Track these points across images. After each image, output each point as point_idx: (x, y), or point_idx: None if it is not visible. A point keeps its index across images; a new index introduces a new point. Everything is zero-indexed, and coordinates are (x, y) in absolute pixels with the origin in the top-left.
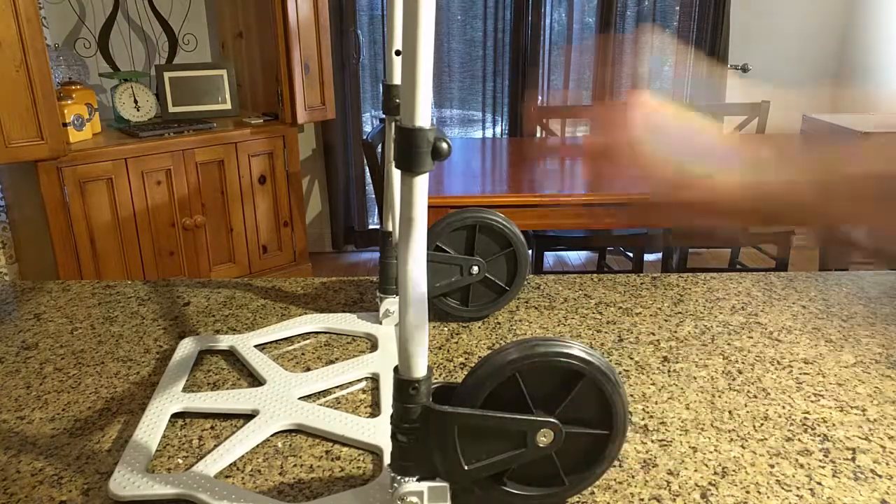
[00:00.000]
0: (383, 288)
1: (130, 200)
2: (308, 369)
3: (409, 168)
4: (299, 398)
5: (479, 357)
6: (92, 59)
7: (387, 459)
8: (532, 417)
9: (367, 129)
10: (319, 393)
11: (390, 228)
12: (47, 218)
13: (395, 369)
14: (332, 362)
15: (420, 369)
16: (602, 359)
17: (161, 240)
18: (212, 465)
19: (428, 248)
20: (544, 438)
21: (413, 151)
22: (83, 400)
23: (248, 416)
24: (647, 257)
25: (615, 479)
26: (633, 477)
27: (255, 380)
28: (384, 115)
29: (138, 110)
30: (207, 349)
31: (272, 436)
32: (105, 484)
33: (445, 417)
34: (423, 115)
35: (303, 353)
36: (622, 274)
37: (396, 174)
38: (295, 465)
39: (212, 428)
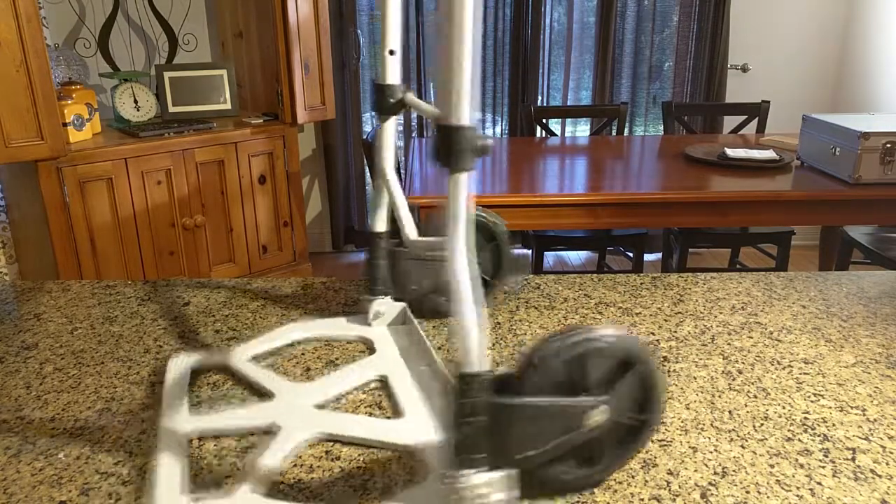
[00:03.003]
0: (372, 290)
1: (130, 200)
2: (310, 378)
3: (453, 166)
4: (314, 406)
5: None
6: (92, 59)
7: (432, 457)
8: (588, 399)
9: (367, 129)
10: (333, 399)
11: (380, 229)
12: (47, 218)
13: (456, 365)
14: (332, 368)
15: (483, 363)
16: (645, 346)
17: (161, 240)
18: (256, 486)
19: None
20: (596, 420)
21: (457, 150)
22: (83, 400)
23: (268, 431)
24: (647, 257)
25: (615, 479)
26: (633, 477)
27: (262, 393)
28: (377, 114)
29: (138, 110)
30: (200, 366)
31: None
32: (105, 483)
33: (511, 408)
34: (467, 114)
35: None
36: (622, 274)
37: (393, 174)
38: (295, 465)
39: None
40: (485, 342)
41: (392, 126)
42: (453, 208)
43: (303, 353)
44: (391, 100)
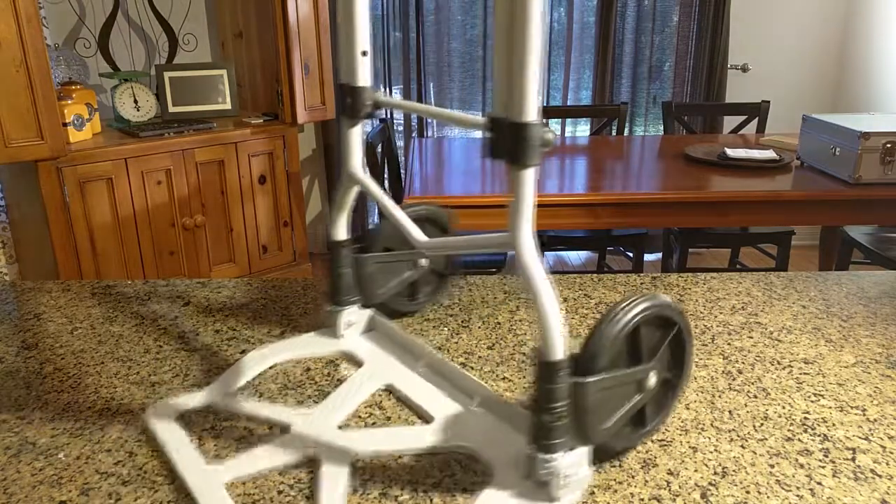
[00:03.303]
0: (339, 300)
1: (130, 200)
2: (313, 403)
3: (521, 161)
4: (338, 429)
5: (480, 357)
6: (92, 59)
7: (491, 450)
8: (648, 365)
9: (367, 129)
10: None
11: (342, 237)
12: (47, 218)
13: (537, 354)
14: (324, 388)
15: (563, 350)
16: (678, 305)
17: (161, 240)
18: None
19: (375, 251)
20: (652, 381)
21: (525, 145)
22: (83, 400)
23: (307, 462)
24: (647, 257)
25: (615, 479)
26: (633, 477)
27: (276, 426)
28: (346, 118)
29: (138, 110)
30: (185, 411)
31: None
32: (105, 483)
33: (590, 387)
34: (534, 111)
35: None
36: (622, 274)
37: (370, 179)
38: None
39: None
40: (564, 331)
41: (360, 130)
42: (519, 204)
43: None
44: (366, 103)
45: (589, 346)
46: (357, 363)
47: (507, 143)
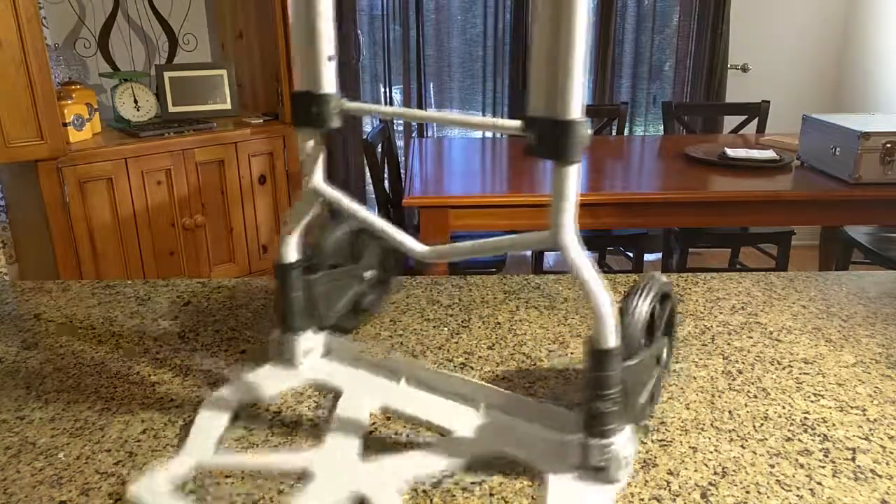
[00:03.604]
0: (293, 328)
1: (130, 200)
2: (314, 440)
3: (566, 158)
4: (363, 462)
5: (480, 357)
6: (92, 59)
7: (533, 452)
8: (664, 339)
9: (367, 129)
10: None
11: (292, 258)
12: (47, 218)
13: (590, 343)
14: (318, 422)
15: (616, 337)
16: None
17: (161, 240)
18: None
19: (323, 268)
20: (664, 355)
21: (570, 142)
22: (83, 400)
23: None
24: (647, 257)
25: None
26: (633, 477)
27: (294, 475)
28: (308, 128)
29: (138, 110)
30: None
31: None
32: (105, 483)
33: (638, 368)
34: (579, 107)
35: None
36: (622, 274)
37: (337, 193)
38: (287, 412)
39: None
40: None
41: (321, 140)
42: (564, 201)
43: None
44: (334, 112)
45: (627, 331)
46: (333, 390)
47: (552, 140)
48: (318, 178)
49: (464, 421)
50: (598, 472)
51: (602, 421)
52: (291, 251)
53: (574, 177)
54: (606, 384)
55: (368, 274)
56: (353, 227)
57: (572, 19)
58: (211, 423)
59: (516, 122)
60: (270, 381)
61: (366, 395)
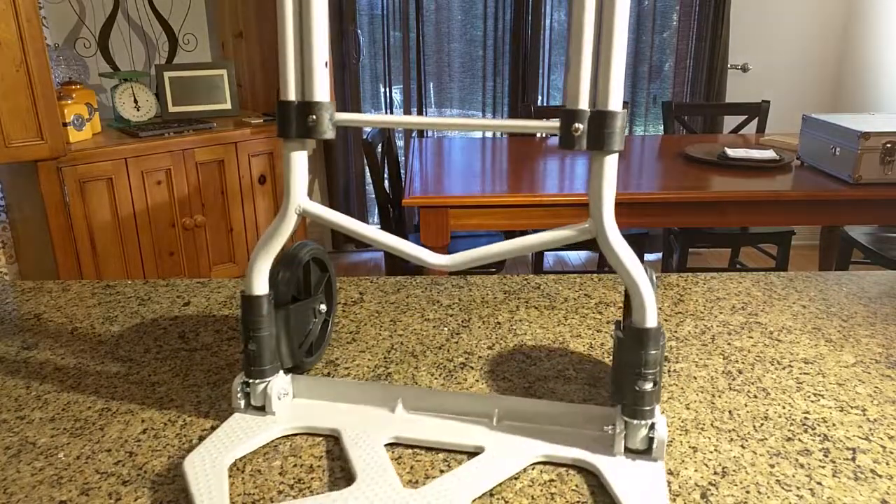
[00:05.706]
0: (262, 371)
1: (130, 200)
2: (329, 487)
3: (607, 148)
4: (414, 489)
5: (480, 357)
6: (92, 59)
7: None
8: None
9: (367, 129)
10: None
11: (263, 291)
12: (47, 218)
13: (631, 325)
14: (337, 473)
15: (655, 319)
16: None
17: (161, 240)
18: None
19: (284, 300)
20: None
21: (609, 132)
22: (83, 400)
23: None
24: (647, 257)
25: None
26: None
27: None
28: (298, 139)
29: (138, 110)
30: None
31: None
32: (105, 483)
33: (665, 348)
34: (620, 98)
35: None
36: None
37: (323, 209)
38: (295, 466)
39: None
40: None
41: (306, 153)
42: (603, 190)
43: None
44: (329, 120)
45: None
46: (327, 433)
47: (594, 131)
48: (301, 194)
49: (486, 435)
50: (640, 453)
51: (642, 401)
52: (262, 281)
53: (613, 165)
54: (649, 363)
55: (323, 306)
56: (312, 254)
57: (614, 15)
58: (211, 492)
59: (554, 122)
60: (251, 436)
61: (369, 430)
